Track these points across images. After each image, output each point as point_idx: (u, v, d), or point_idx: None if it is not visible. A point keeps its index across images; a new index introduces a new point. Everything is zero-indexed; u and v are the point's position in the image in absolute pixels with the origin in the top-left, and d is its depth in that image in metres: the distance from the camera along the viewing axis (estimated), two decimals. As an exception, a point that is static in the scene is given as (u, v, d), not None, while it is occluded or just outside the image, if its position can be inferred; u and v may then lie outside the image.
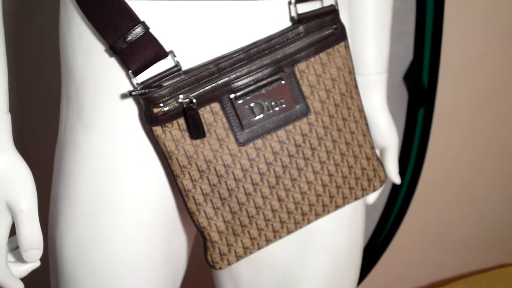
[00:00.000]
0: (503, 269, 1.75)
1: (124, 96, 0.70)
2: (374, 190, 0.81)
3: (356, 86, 0.77)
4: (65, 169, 0.75)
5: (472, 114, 1.71)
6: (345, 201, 0.79)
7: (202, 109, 0.69)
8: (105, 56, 0.69)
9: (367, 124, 0.79)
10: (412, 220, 1.75)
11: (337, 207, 0.79)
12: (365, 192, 0.80)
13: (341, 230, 0.85)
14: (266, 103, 0.71)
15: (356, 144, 0.78)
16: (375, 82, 0.93)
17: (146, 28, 0.67)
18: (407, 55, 1.56)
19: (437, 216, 1.80)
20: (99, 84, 0.70)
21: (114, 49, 0.67)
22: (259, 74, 0.71)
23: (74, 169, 0.74)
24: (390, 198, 1.70)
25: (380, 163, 0.81)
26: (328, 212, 0.79)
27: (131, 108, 0.70)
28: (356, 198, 0.80)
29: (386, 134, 0.94)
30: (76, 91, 0.72)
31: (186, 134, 0.69)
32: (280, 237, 0.77)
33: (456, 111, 1.69)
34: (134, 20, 0.66)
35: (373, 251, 1.75)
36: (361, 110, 0.78)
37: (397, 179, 0.97)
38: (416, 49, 1.56)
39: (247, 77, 0.70)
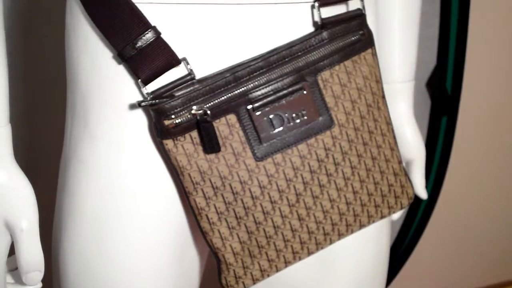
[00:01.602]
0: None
1: (132, 106, 0.65)
2: (402, 208, 0.75)
3: (383, 97, 0.72)
4: (70, 183, 0.70)
5: (497, 123, 1.66)
6: (370, 220, 0.73)
7: (217, 121, 0.64)
8: (113, 63, 0.64)
9: (394, 138, 0.73)
10: (433, 232, 1.70)
11: (361, 226, 0.73)
12: (391, 210, 0.75)
13: (366, 251, 0.79)
14: (286, 114, 0.66)
15: (383, 159, 0.72)
16: (401, 91, 0.88)
17: (158, 34, 0.62)
18: (431, 61, 1.51)
19: (459, 228, 1.75)
20: (106, 93, 0.65)
21: (122, 56, 0.62)
22: (279, 84, 0.65)
23: (79, 184, 0.69)
24: (410, 209, 1.64)
25: (408, 179, 0.75)
26: (352, 231, 0.73)
27: (140, 119, 0.66)
28: (382, 217, 0.74)
29: (413, 146, 0.88)
30: (82, 100, 0.67)
31: (200, 148, 0.64)
32: (300, 259, 0.72)
33: (480, 119, 1.63)
34: (144, 24, 0.61)
35: (392, 264, 1.69)
36: (388, 123, 0.72)
37: (423, 194, 0.92)
38: (440, 54, 1.50)
39: (266, 87, 0.65)
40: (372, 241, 0.80)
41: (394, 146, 0.73)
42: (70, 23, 0.67)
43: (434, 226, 1.68)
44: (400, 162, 0.74)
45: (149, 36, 0.62)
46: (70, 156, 0.70)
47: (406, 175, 0.75)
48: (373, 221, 0.74)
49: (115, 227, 0.68)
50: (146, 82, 0.63)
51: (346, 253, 0.78)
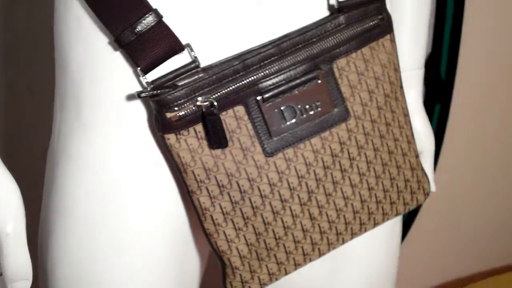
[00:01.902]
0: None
1: (130, 97, 0.59)
2: (418, 204, 0.70)
3: (401, 87, 0.67)
4: (59, 181, 0.63)
5: (491, 111, 1.62)
6: (385, 217, 0.69)
7: (224, 113, 0.59)
8: (109, 49, 0.58)
9: (411, 130, 0.68)
10: (425, 220, 1.67)
11: (375, 224, 0.68)
12: (407, 207, 0.70)
13: (378, 250, 0.75)
14: (299, 106, 0.61)
15: (400, 153, 0.67)
16: (411, 78, 0.82)
17: (159, 17, 0.56)
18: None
19: (451, 216, 1.72)
20: (101, 83, 0.59)
21: (120, 42, 0.56)
22: (292, 72, 0.60)
23: (69, 182, 0.62)
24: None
25: (425, 173, 0.70)
26: (366, 230, 0.68)
27: (138, 112, 0.60)
28: (397, 214, 0.69)
29: (422, 137, 0.83)
30: (74, 91, 0.61)
31: (205, 143, 0.59)
32: (311, 260, 0.67)
33: (474, 108, 1.60)
34: (144, 7, 0.56)
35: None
36: (406, 114, 0.67)
37: (432, 187, 0.87)
38: (435, 40, 1.46)
39: (277, 76, 0.60)
40: (384, 238, 0.75)
41: (411, 139, 0.68)
42: (60, 7, 0.61)
43: (425, 215, 1.66)
44: (417, 156, 0.69)
45: (149, 20, 0.56)
46: (59, 152, 0.64)
47: (423, 169, 0.70)
48: (388, 219, 0.69)
49: (110, 231, 0.62)
50: (146, 71, 0.57)
51: (358, 253, 0.74)
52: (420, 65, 0.83)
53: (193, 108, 0.57)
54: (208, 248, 0.72)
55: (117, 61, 0.58)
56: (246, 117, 0.60)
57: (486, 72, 1.57)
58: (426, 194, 0.71)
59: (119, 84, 0.59)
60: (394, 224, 0.76)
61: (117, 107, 0.59)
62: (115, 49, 0.58)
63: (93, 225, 0.62)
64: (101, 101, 0.59)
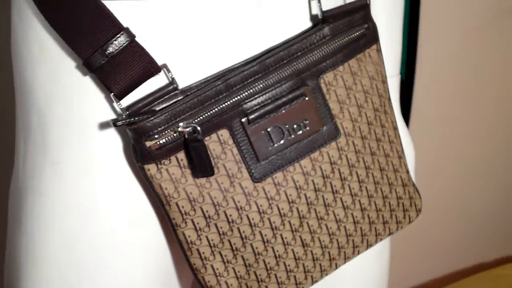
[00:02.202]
0: (493, 271, 1.66)
1: (104, 126, 0.53)
2: (410, 222, 0.67)
3: (389, 99, 0.63)
4: (28, 221, 0.57)
5: (451, 108, 1.62)
6: (378, 238, 0.65)
7: (207, 138, 0.54)
8: (78, 75, 0.52)
9: (401, 144, 0.65)
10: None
11: (368, 246, 0.65)
12: (399, 225, 0.66)
13: (367, 270, 0.72)
14: (286, 126, 0.56)
15: (391, 169, 0.63)
16: (391, 86, 0.79)
17: (131, 37, 0.51)
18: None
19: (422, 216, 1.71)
20: (70, 111, 0.54)
21: (90, 66, 0.50)
22: (277, 90, 0.56)
23: (41, 222, 0.56)
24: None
25: (416, 189, 0.67)
26: (359, 253, 0.64)
27: (114, 141, 0.54)
28: (390, 234, 0.66)
29: (405, 149, 0.80)
30: (39, 120, 0.55)
31: (188, 172, 0.54)
32: (303, 289, 0.63)
33: (434, 105, 1.59)
34: (115, 26, 0.50)
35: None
36: (395, 128, 0.64)
37: None
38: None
39: (262, 95, 0.55)
40: (374, 258, 0.73)
41: (401, 154, 0.65)
42: (20, 27, 0.55)
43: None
44: (408, 171, 0.66)
45: (121, 40, 0.50)
46: (26, 188, 0.57)
47: (414, 185, 0.67)
48: (381, 239, 0.65)
49: (89, 274, 0.56)
50: (120, 96, 0.51)
51: (347, 273, 0.70)
52: (396, 72, 0.80)
53: (174, 135, 0.52)
54: (191, 277, 0.67)
55: (87, 87, 0.52)
56: (231, 141, 0.55)
57: (444, 72, 1.57)
58: (418, 210, 0.68)
59: (91, 113, 0.53)
60: (384, 243, 0.73)
61: (90, 138, 0.54)
62: (84, 74, 0.52)
63: (70, 270, 0.56)
64: (71, 133, 0.54)
